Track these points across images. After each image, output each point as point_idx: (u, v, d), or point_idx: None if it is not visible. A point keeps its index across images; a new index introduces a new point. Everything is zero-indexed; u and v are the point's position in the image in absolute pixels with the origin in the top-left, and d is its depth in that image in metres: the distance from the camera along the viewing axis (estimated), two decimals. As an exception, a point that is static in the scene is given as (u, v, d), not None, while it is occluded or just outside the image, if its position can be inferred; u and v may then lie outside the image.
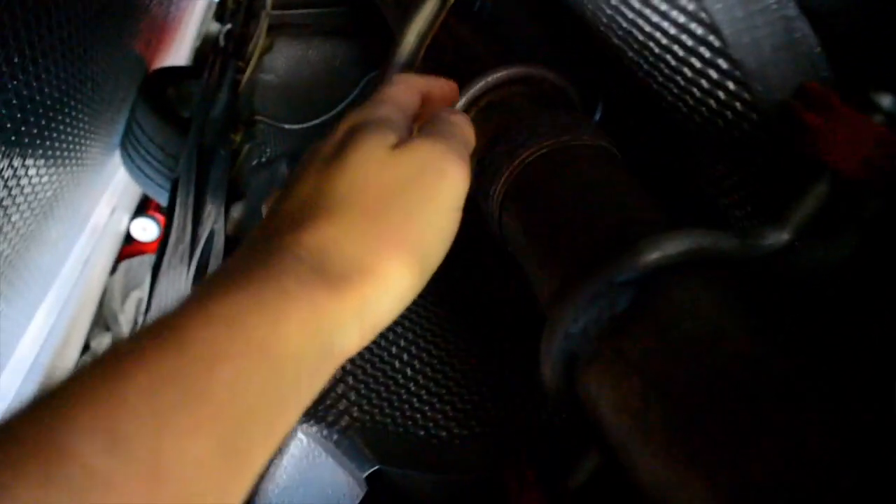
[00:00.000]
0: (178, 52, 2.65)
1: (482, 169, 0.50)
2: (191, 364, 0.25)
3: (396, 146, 0.38)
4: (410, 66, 0.54)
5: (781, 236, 0.37)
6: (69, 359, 2.77)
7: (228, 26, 1.75)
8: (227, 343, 0.27)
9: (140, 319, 2.93)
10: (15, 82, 1.11)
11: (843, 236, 0.42)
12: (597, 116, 0.79)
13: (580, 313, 0.35)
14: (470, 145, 0.43)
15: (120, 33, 1.75)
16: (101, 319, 3.01)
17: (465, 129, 0.43)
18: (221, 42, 1.75)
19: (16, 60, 1.07)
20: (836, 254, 0.43)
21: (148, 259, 3.11)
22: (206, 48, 2.64)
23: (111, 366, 0.25)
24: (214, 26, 2.52)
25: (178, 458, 0.24)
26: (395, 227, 0.35)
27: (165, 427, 0.24)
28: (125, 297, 2.99)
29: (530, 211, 0.45)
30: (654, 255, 0.35)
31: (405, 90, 0.45)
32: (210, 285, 0.30)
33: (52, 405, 0.23)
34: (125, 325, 2.97)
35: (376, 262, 0.34)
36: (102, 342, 2.92)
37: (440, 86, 0.48)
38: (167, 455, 0.23)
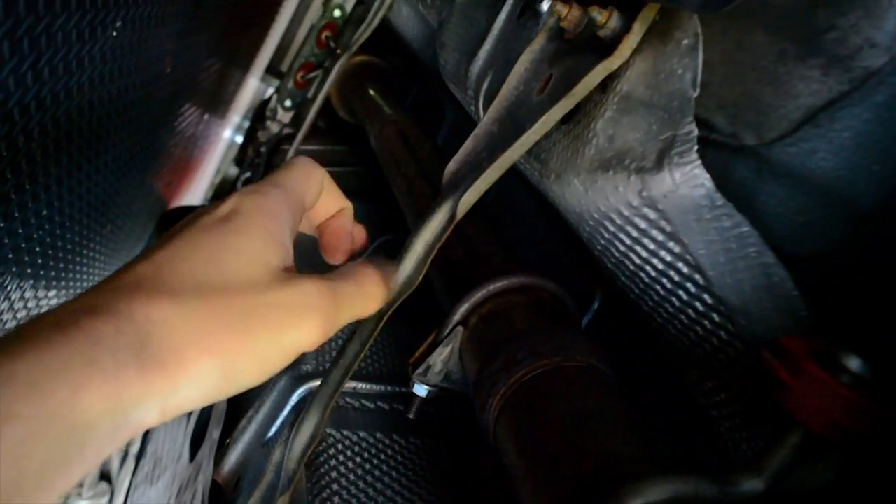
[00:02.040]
0: (196, 192, 2.75)
1: (480, 380, 0.53)
2: None
3: (280, 270, 0.39)
4: (417, 276, 0.57)
5: (757, 485, 0.39)
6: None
7: (248, 175, 1.83)
8: (23, 404, 0.27)
9: (131, 450, 2.90)
10: (41, 232, 1.16)
11: (823, 463, 0.44)
12: (595, 305, 0.82)
13: (565, 556, 0.37)
14: (363, 308, 0.44)
15: (143, 178, 1.83)
16: (93, 447, 2.96)
17: (367, 288, 0.44)
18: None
19: (44, 213, 1.13)
20: (816, 481, 0.45)
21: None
22: (224, 188, 2.74)
23: None
24: (234, 169, 2.63)
25: None
26: (230, 337, 0.35)
27: None
28: (119, 426, 2.96)
29: (523, 433, 0.47)
30: (636, 503, 0.37)
31: (305, 179, 0.45)
32: (27, 331, 0.30)
33: None
34: (115, 454, 2.92)
35: (196, 358, 0.34)
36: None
37: (338, 195, 0.49)
38: None
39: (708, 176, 0.44)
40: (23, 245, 1.09)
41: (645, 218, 0.48)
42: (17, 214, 1.00)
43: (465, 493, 0.71)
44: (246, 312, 0.36)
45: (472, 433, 0.78)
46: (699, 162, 0.44)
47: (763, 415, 0.52)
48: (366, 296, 0.44)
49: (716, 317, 0.50)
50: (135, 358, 0.32)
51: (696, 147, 0.44)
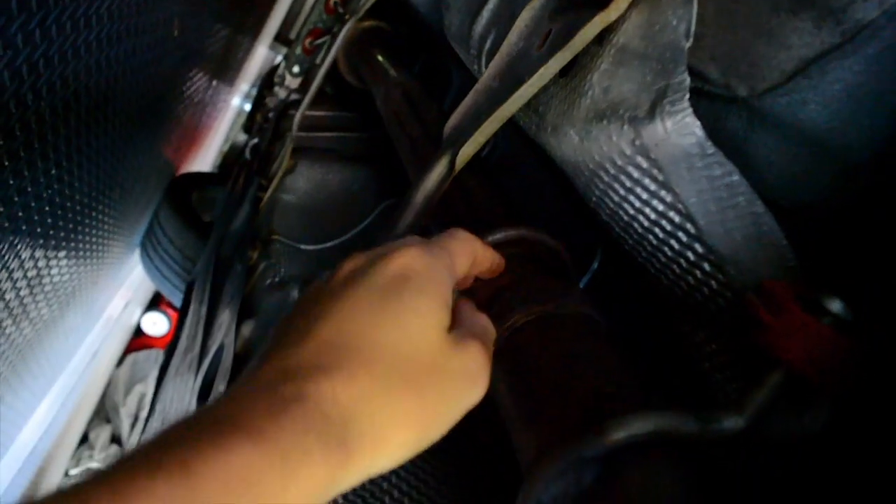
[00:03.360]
0: (205, 158, 2.77)
1: (476, 327, 0.54)
2: None
3: (450, 330, 0.39)
4: (418, 222, 0.59)
5: (738, 422, 0.41)
6: (67, 448, 2.77)
7: (255, 140, 1.84)
8: (237, 499, 0.27)
9: (141, 415, 2.94)
10: (49, 191, 1.18)
11: (811, 412, 0.45)
12: (595, 265, 0.83)
13: (551, 484, 0.38)
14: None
15: (152, 142, 1.84)
16: (103, 411, 3.02)
17: (492, 339, 0.44)
18: (247, 155, 1.84)
19: (53, 172, 1.14)
20: (805, 428, 0.46)
21: (155, 354, 3.15)
22: (232, 155, 2.75)
23: None
24: (242, 136, 2.64)
25: None
26: (420, 411, 0.36)
27: None
28: (128, 390, 3.01)
29: (516, 375, 0.48)
30: (619, 435, 0.38)
31: (464, 252, 0.46)
32: (234, 414, 0.30)
33: None
34: (125, 418, 2.97)
35: (393, 434, 0.34)
36: (101, 434, 2.92)
37: (490, 257, 0.50)
38: None
39: (699, 124, 0.45)
40: (32, 204, 1.11)
41: (638, 167, 0.49)
42: (26, 172, 1.01)
43: (460, 443, 0.73)
44: (434, 380, 0.37)
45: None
46: (690, 111, 0.45)
47: (752, 364, 0.53)
48: (493, 333, 0.45)
49: (706, 266, 0.51)
50: (341, 443, 0.32)
51: (687, 96, 0.45)
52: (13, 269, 1.16)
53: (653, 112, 0.46)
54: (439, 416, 0.37)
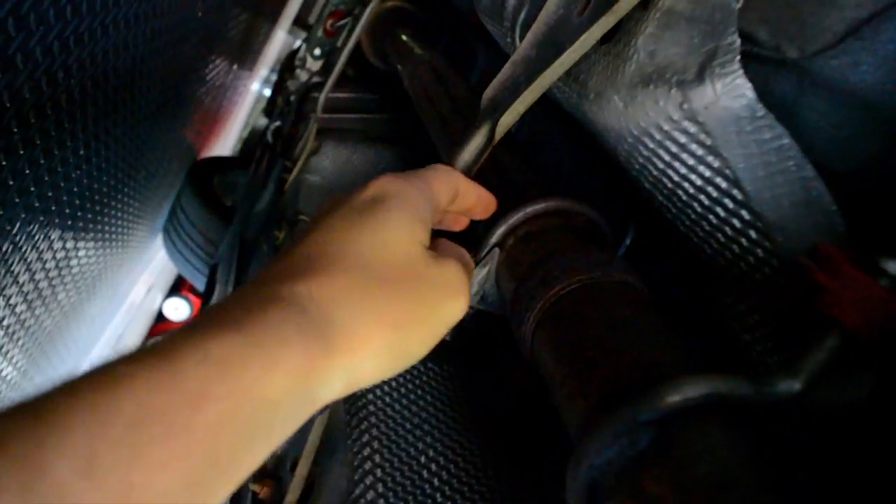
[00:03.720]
0: (226, 142, 2.77)
1: (518, 296, 0.54)
2: (179, 401, 0.27)
3: (429, 249, 0.42)
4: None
5: (793, 385, 0.40)
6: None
7: (277, 123, 1.84)
8: (218, 384, 0.28)
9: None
10: (78, 172, 1.18)
11: (856, 380, 0.45)
12: (627, 241, 0.83)
13: (605, 447, 0.38)
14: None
15: (174, 125, 1.84)
16: (126, 395, 3.04)
17: (471, 266, 0.47)
18: (269, 138, 1.84)
19: (81, 153, 1.15)
20: (850, 396, 0.45)
21: (177, 338, 3.17)
22: (253, 140, 2.76)
23: (103, 388, 0.26)
24: (262, 121, 2.64)
25: (146, 489, 0.25)
26: (399, 312, 0.37)
27: (141, 461, 0.25)
28: (152, 374, 3.03)
29: (561, 342, 0.48)
30: (675, 398, 0.38)
31: (443, 183, 0.47)
32: (214, 315, 0.31)
33: (41, 416, 0.25)
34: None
35: (372, 334, 0.35)
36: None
37: (478, 194, 0.51)
38: (137, 486, 0.25)
39: (750, 86, 0.44)
40: (62, 184, 1.11)
41: (685, 132, 0.48)
42: (56, 152, 1.02)
43: (496, 418, 0.73)
44: (412, 287, 0.39)
45: (505, 364, 0.80)
46: (741, 72, 0.44)
47: (796, 335, 0.52)
48: (471, 271, 0.46)
49: (753, 234, 0.50)
50: (320, 335, 0.33)
51: (738, 57, 0.44)
52: (43, 251, 1.17)
53: (702, 75, 0.46)
54: (418, 320, 0.38)
